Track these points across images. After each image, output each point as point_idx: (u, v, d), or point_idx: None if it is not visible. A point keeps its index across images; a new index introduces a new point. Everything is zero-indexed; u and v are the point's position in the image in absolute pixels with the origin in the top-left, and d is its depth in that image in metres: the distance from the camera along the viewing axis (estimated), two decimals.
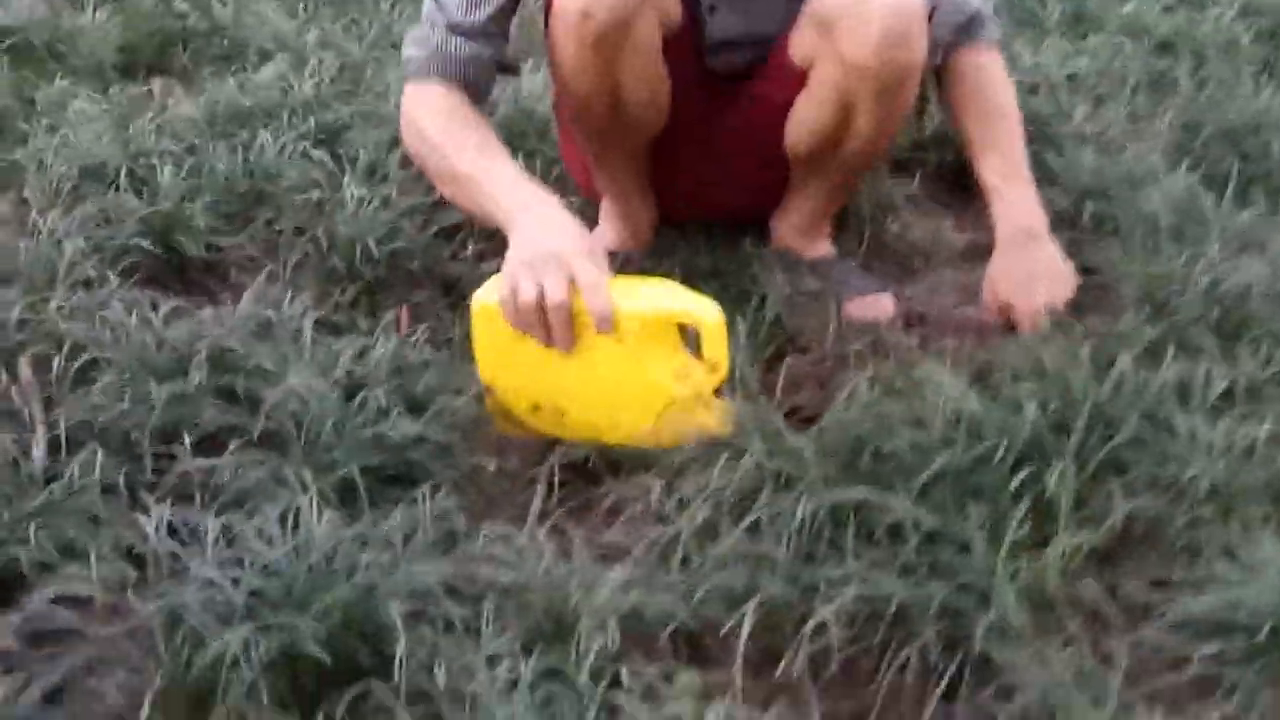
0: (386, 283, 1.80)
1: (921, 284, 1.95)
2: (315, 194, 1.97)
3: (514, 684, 1.12)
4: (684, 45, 1.79)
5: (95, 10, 2.68)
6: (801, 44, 1.77)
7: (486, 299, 1.51)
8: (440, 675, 1.12)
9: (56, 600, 1.23)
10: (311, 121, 2.17)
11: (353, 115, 2.21)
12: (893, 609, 1.23)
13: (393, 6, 2.85)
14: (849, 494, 1.32)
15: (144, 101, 2.31)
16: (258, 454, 1.40)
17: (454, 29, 1.72)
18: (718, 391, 1.46)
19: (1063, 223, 1.97)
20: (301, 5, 2.86)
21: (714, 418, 1.44)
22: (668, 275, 1.81)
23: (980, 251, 1.90)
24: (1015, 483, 1.34)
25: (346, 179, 1.98)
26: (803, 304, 1.77)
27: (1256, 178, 2.11)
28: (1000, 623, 1.21)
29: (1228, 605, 1.24)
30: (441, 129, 1.69)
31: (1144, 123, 2.32)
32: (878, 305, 1.85)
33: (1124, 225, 1.95)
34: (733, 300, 1.74)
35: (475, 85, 1.74)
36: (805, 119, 1.80)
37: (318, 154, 2.06)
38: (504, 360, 1.52)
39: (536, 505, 1.40)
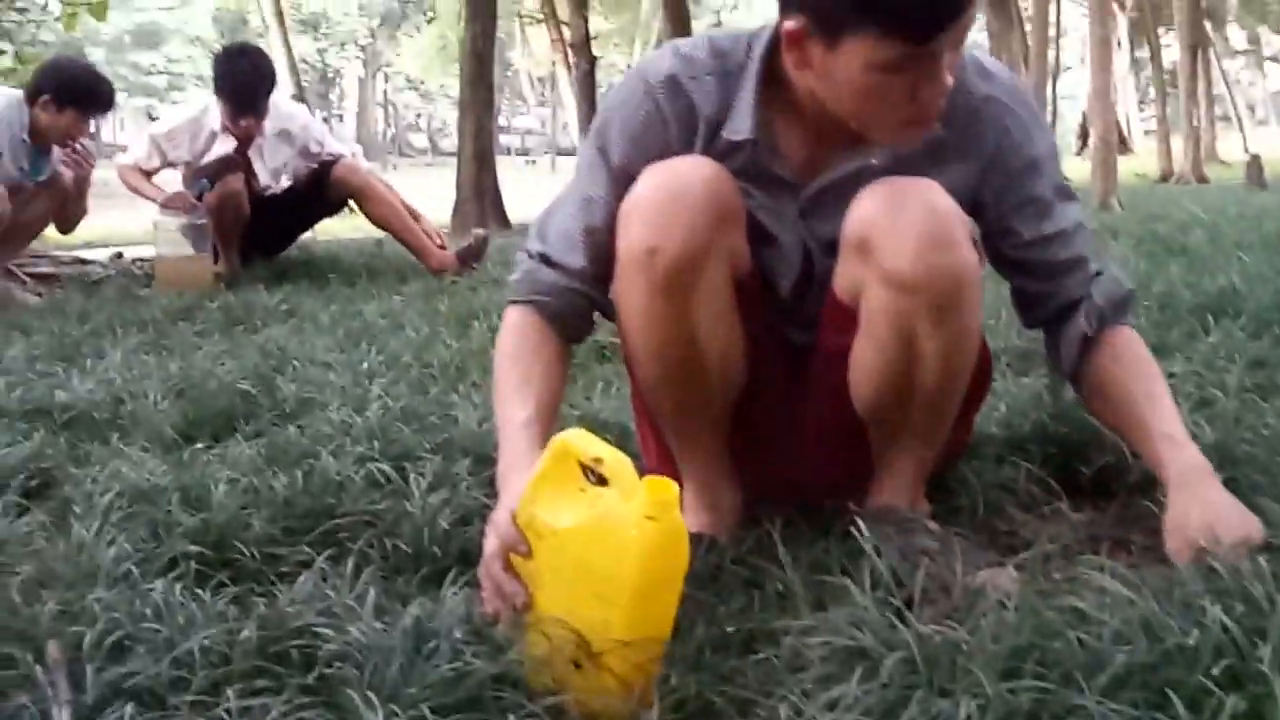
0: (454, 567, 1.62)
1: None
2: (378, 497, 1.83)
3: None
4: (755, 304, 1.71)
5: (159, 396, 2.65)
6: (846, 277, 1.68)
7: None
8: None
9: None
10: (375, 445, 2.07)
11: (417, 435, 2.12)
12: None
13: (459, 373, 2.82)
14: (1022, 696, 1.10)
15: (201, 454, 2.22)
16: (315, 698, 1.20)
17: (545, 259, 1.68)
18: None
19: None
20: (365, 367, 2.85)
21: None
22: (757, 554, 1.65)
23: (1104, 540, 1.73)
24: (1217, 670, 1.11)
25: (412, 479, 1.84)
26: (921, 561, 1.56)
27: None
28: None
29: None
30: (499, 360, 1.69)
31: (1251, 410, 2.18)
32: (1003, 577, 1.65)
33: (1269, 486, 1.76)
34: (841, 562, 1.55)
35: (561, 317, 1.69)
36: (865, 361, 1.68)
37: (382, 467, 1.94)
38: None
39: None
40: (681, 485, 1.78)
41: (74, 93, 4.76)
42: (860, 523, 1.56)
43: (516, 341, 1.71)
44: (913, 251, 1.56)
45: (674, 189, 1.60)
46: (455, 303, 4.12)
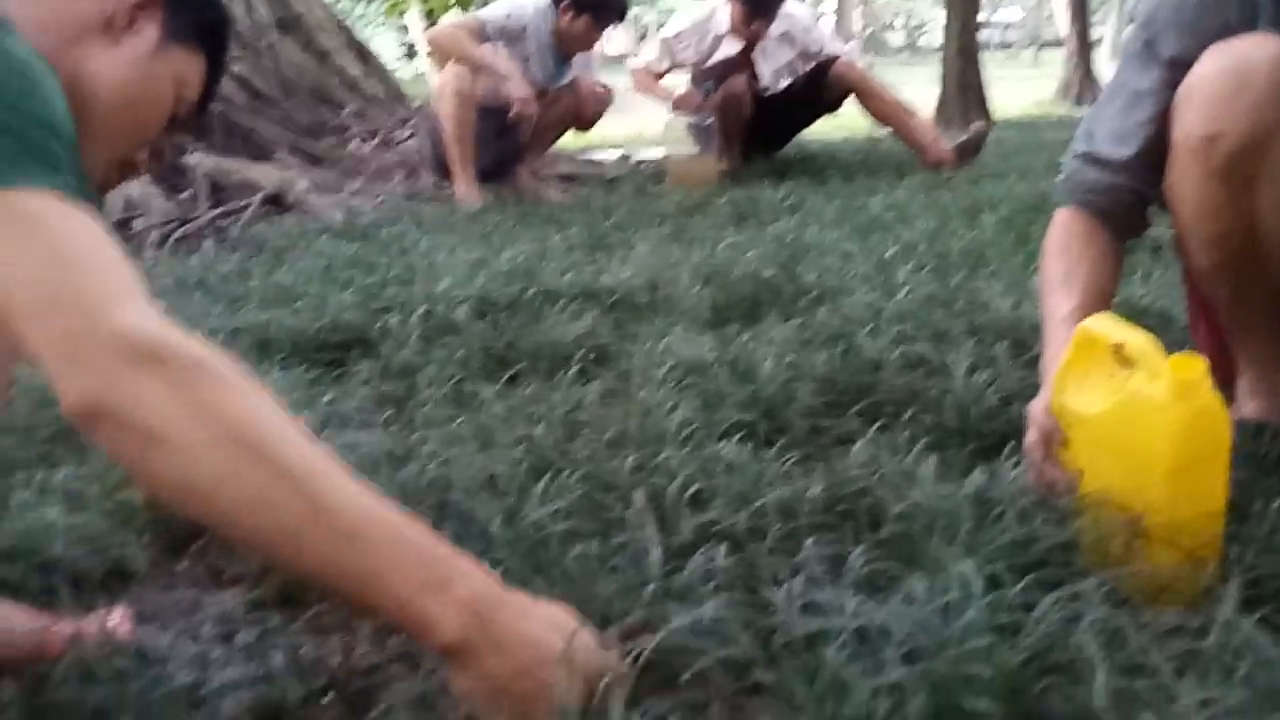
0: (1005, 443, 1.64)
1: None
2: (918, 375, 1.88)
3: None
4: None
5: (689, 282, 2.82)
6: None
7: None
8: None
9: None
10: (909, 327, 2.12)
11: (949, 318, 2.15)
12: None
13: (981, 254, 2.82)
14: None
15: (738, 334, 2.34)
16: (888, 550, 1.28)
17: (1091, 158, 1.66)
18: None
19: None
20: (887, 255, 2.90)
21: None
22: None
23: None
24: None
25: (953, 356, 1.88)
26: None
27: None
28: None
29: None
30: (1044, 257, 1.68)
31: None
32: None
33: None
34: None
35: (1110, 215, 1.65)
36: None
37: (918, 349, 1.99)
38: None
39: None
40: (1238, 373, 1.73)
41: (591, 1, 5.04)
42: None
43: (1062, 239, 1.69)
44: None
45: (1237, 71, 1.52)
46: (959, 196, 4.10)
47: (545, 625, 1.07)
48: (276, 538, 1.02)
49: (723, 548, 1.33)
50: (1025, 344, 1.98)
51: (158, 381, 0.99)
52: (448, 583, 1.04)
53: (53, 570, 1.55)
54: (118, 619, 1.39)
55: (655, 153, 6.20)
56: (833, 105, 5.62)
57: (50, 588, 1.52)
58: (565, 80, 5.20)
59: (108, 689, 1.18)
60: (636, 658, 1.11)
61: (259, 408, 1.03)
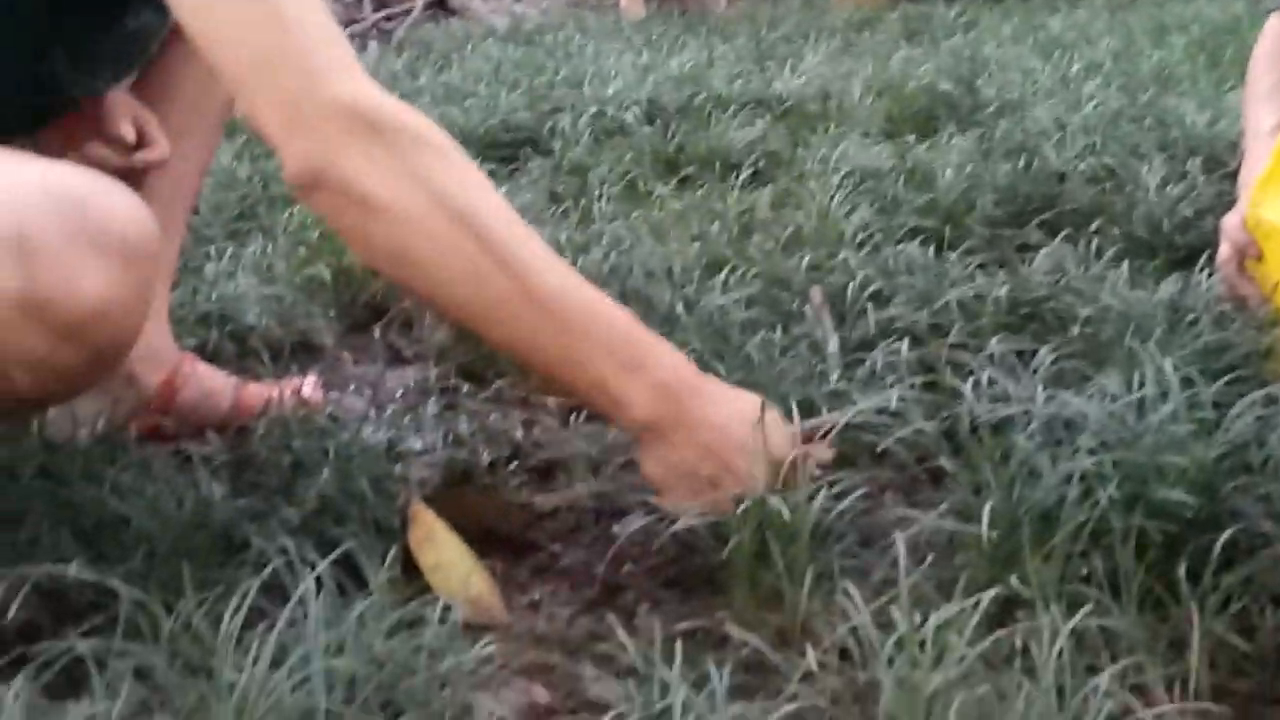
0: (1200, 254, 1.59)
1: None
2: (1105, 189, 1.83)
3: None
4: None
5: (864, 95, 2.76)
6: None
7: None
8: None
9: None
10: (1096, 139, 2.05)
11: (1139, 133, 2.08)
12: None
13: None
14: None
15: (914, 145, 2.29)
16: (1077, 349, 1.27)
17: None
18: None
19: None
20: (1074, 70, 2.80)
21: None
22: None
23: None
24: None
25: (1145, 170, 1.82)
26: None
27: None
28: None
29: None
30: (1252, 66, 1.60)
31: None
32: None
33: None
34: None
35: None
36: None
37: (1106, 161, 1.93)
38: None
39: None
40: None
41: None
42: None
43: (1273, 48, 1.61)
44: None
45: None
46: (1144, 17, 3.92)
47: (735, 412, 1.06)
48: (483, 311, 1.04)
49: (904, 343, 1.33)
50: (1221, 160, 1.91)
51: (380, 150, 0.99)
52: (644, 365, 1.05)
53: (245, 337, 1.62)
54: (310, 386, 1.45)
55: None
56: None
57: (245, 352, 1.59)
58: None
59: (306, 445, 1.23)
60: (823, 438, 1.12)
61: (476, 183, 1.04)
